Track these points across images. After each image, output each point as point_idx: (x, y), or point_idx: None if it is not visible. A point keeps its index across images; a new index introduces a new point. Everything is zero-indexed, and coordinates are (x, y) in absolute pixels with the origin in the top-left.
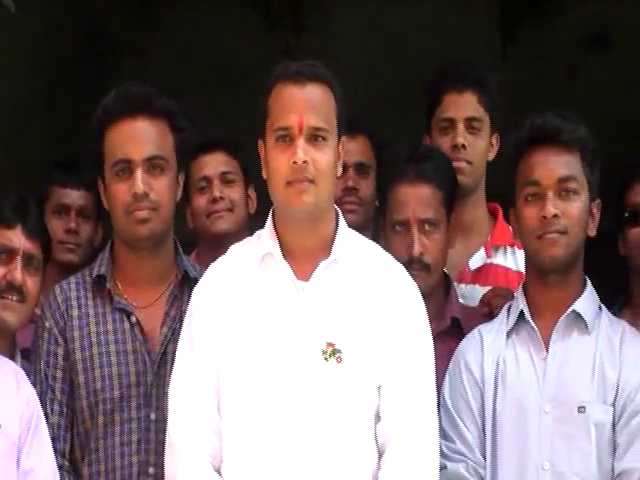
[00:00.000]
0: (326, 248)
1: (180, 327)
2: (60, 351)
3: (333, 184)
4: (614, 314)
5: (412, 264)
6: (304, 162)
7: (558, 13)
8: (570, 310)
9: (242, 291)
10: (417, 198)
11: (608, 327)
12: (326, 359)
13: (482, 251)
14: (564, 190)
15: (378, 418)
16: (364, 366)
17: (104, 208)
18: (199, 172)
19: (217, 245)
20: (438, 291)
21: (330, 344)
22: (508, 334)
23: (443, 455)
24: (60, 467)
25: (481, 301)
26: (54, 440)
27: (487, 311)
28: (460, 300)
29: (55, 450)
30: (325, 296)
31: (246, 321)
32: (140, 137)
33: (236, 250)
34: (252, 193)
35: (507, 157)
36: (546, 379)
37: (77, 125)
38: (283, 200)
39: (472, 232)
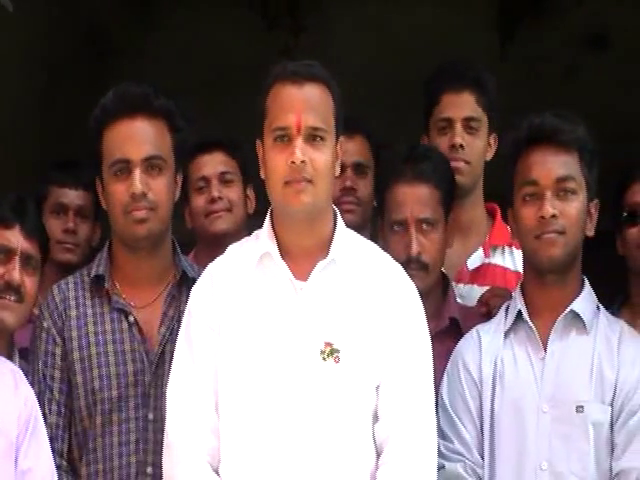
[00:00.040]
0: (324, 248)
1: (178, 327)
2: (58, 351)
3: (331, 184)
4: (612, 314)
5: (410, 264)
6: (302, 162)
7: (556, 13)
8: (568, 310)
9: (240, 291)
10: (415, 198)
11: (606, 327)
12: (324, 359)
13: (480, 251)
14: (562, 190)
15: (376, 418)
16: (362, 366)
17: (102, 208)
18: (198, 172)
19: (216, 245)
20: (436, 291)
21: (328, 344)
22: (506, 334)
23: (441, 455)
24: (58, 467)
25: (479, 301)
26: (52, 440)
27: (485, 311)
28: (458, 300)
29: (53, 450)
30: (323, 296)
31: (244, 321)
32: (138, 137)
33: (234, 250)
34: (251, 193)
35: (505, 157)
36: (544, 379)
37: (76, 125)
38: (281, 200)
39: (470, 232)
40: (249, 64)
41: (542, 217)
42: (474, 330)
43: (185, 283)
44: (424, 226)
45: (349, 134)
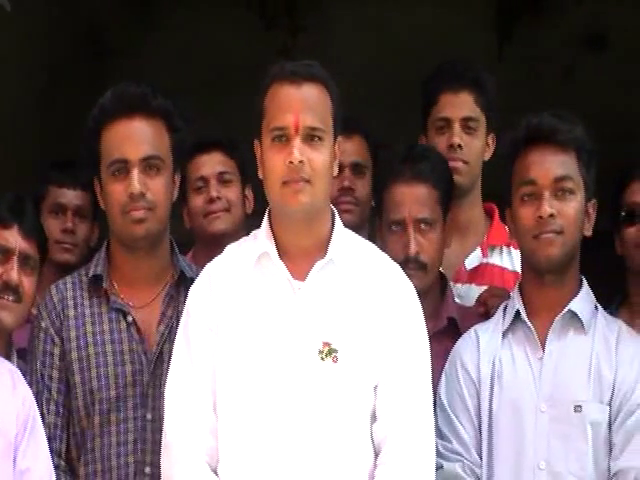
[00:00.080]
0: (322, 248)
1: (176, 327)
2: (56, 351)
3: (329, 184)
4: (611, 314)
5: (408, 264)
6: (300, 162)
7: (554, 13)
8: (566, 310)
9: (238, 291)
10: (413, 198)
11: (604, 327)
12: (322, 359)
13: (478, 251)
14: (560, 190)
15: (374, 418)
16: (360, 366)
17: (100, 208)
18: (196, 172)
19: (214, 245)
20: (434, 291)
21: (326, 344)
22: (504, 334)
23: (439, 455)
24: (56, 467)
25: (477, 301)
26: (50, 440)
27: (483, 311)
28: (456, 300)
29: (51, 450)
30: (321, 296)
31: (242, 321)
32: (136, 137)
33: (232, 250)
34: (249, 193)
35: (503, 157)
36: (542, 379)
37: (76, 125)
38: (279, 200)
39: (468, 232)
40: (248, 64)
41: (540, 217)
42: (472, 330)
43: (183, 283)
44: (422, 226)
45: (347, 134)
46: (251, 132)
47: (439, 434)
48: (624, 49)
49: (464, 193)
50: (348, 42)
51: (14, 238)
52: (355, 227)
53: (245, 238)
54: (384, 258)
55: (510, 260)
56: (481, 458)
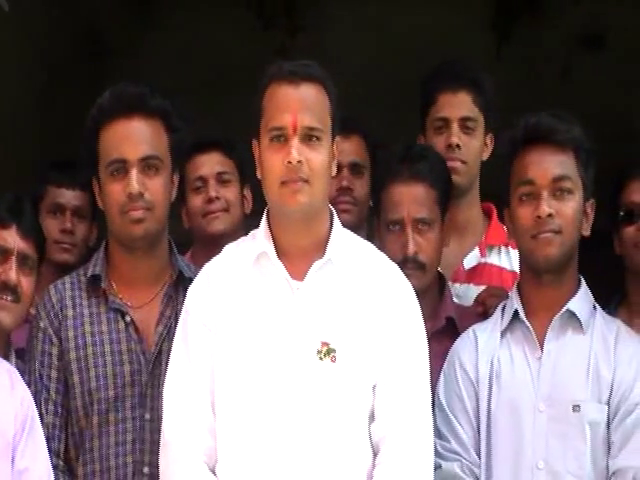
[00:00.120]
0: (320, 248)
1: (175, 327)
2: (55, 351)
3: (327, 184)
4: (609, 313)
5: (407, 263)
6: (298, 162)
7: (553, 13)
8: (564, 309)
9: (237, 291)
10: (411, 198)
11: (603, 326)
12: (321, 358)
13: (476, 251)
14: (558, 190)
15: (373, 417)
16: (359, 365)
17: (99, 208)
18: (195, 172)
19: (213, 245)
20: (433, 291)
21: (325, 343)
22: (502, 333)
23: (438, 454)
24: (55, 467)
25: (475, 300)
26: (49, 440)
27: (481, 310)
28: (454, 300)
29: (50, 450)
30: (320, 296)
31: (241, 321)
32: (135, 137)
33: (231, 250)
34: (248, 193)
35: (501, 157)
36: (541, 378)
37: (76, 125)
38: (277, 200)
39: (466, 232)
40: (246, 64)
41: (538, 217)
42: (470, 330)
43: (182, 283)
44: (420, 226)
45: (345, 134)
46: (249, 132)
47: (437, 434)
48: (622, 49)
49: (462, 193)
50: (347, 42)
51: (12, 238)
52: (353, 227)
53: (243, 238)
54: (382, 258)
55: (508, 260)
56: (480, 458)
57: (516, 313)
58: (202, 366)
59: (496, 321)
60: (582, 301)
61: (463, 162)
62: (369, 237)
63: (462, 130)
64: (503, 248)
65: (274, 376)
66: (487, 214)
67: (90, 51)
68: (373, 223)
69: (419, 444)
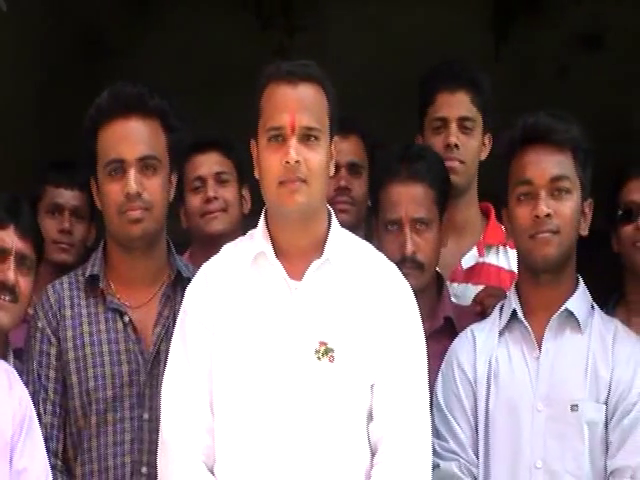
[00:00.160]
0: (319, 248)
1: (173, 327)
2: (53, 351)
3: (325, 184)
4: (608, 313)
5: (405, 263)
6: (296, 162)
7: (550, 13)
8: (563, 309)
9: (235, 290)
10: (409, 197)
11: (601, 326)
12: (319, 358)
13: (474, 250)
14: (556, 189)
15: (371, 417)
16: (357, 365)
17: (97, 208)
18: (193, 172)
19: (211, 245)
20: (431, 290)
21: (323, 343)
22: (500, 333)
23: (436, 454)
24: (53, 467)
25: (474, 300)
26: (47, 440)
27: (480, 310)
28: (453, 299)
29: (48, 450)
30: (318, 295)
31: (239, 320)
32: (133, 137)
33: (229, 250)
34: (246, 193)
35: (499, 157)
36: (539, 378)
37: (75, 125)
38: (275, 200)
39: (465, 231)
40: (245, 64)
41: (536, 216)
42: (469, 329)
43: (180, 283)
44: (418, 226)
45: (344, 134)
46: (248, 132)
47: (436, 433)
48: (620, 49)
49: (460, 193)
50: (347, 42)
51: (10, 238)
52: (351, 227)
53: (241, 238)
54: (380, 258)
55: (506, 260)
56: (478, 457)
57: (514, 313)
58: (200, 366)
59: (494, 321)
60: (580, 301)
61: (461, 162)
62: (367, 237)
63: (460, 130)
64: (501, 248)
65: (272, 376)
66: (485, 214)
67: (89, 51)
68: (371, 223)
69: (417, 444)
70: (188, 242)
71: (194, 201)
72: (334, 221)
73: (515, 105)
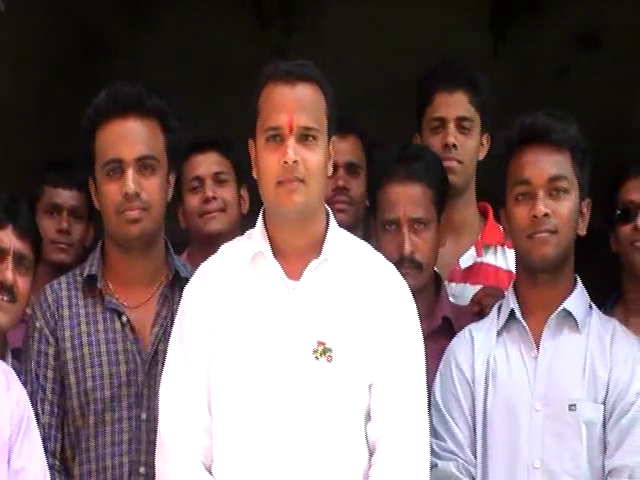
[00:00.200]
0: (317, 247)
1: (171, 327)
2: (51, 351)
3: (323, 184)
4: (606, 312)
5: (403, 263)
6: (294, 162)
7: (549, 13)
8: (561, 308)
9: (233, 290)
10: (408, 197)
11: (599, 325)
12: (317, 358)
13: (472, 250)
14: (554, 189)
15: (369, 417)
16: (355, 365)
17: (95, 208)
18: (192, 172)
19: (209, 245)
20: (429, 290)
21: (321, 343)
22: (499, 333)
23: (434, 454)
24: (51, 467)
25: (472, 300)
26: (45, 440)
27: (478, 310)
28: (451, 299)
29: (46, 450)
30: (316, 295)
31: (237, 320)
32: (131, 137)
33: (227, 249)
34: (244, 193)
35: (497, 157)
36: (537, 377)
37: (74, 125)
38: (273, 200)
39: (463, 231)
40: (245, 64)
41: (534, 216)
42: (467, 329)
43: (178, 283)
44: (416, 225)
45: (342, 134)
46: (246, 132)
47: (434, 433)
48: (618, 49)
49: (458, 193)
50: (347, 42)
51: (8, 238)
52: (349, 227)
53: (239, 238)
54: (378, 258)
55: (504, 259)
56: (476, 457)
57: (512, 312)
58: (198, 366)
59: (492, 321)
60: (578, 300)
61: (459, 162)
62: (365, 237)
63: (458, 130)
64: (499, 248)
65: (270, 376)
66: (483, 214)
67: (89, 51)
68: (369, 223)
69: (415, 443)
70: (186, 242)
71: (192, 201)
72: (332, 221)
73: (514, 105)
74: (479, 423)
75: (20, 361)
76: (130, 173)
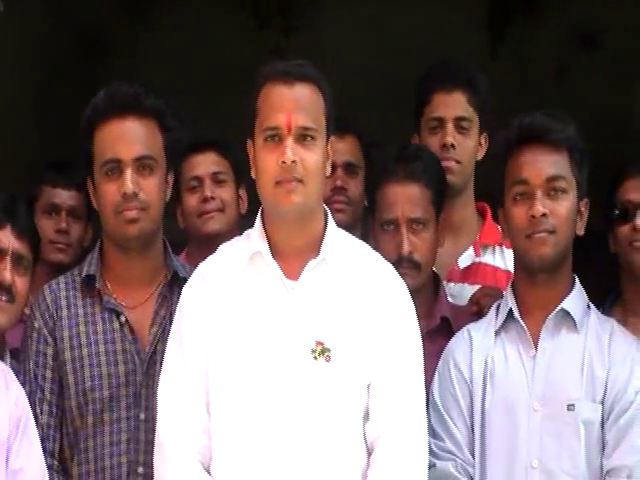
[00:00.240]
0: (315, 247)
1: (169, 327)
2: (49, 351)
3: (322, 184)
4: (604, 312)
5: (402, 263)
6: (293, 162)
7: (547, 12)
8: (559, 308)
9: (231, 290)
10: (406, 197)
11: (597, 325)
12: (315, 358)
13: (471, 250)
14: (552, 189)
15: (367, 417)
16: (353, 365)
17: (94, 208)
18: (190, 172)
19: (208, 245)
20: (427, 290)
21: (319, 343)
22: (497, 333)
23: (432, 453)
24: (49, 467)
25: (470, 300)
26: (43, 440)
27: (476, 310)
28: (449, 299)
29: (44, 450)
30: (314, 295)
31: (235, 320)
32: (129, 137)
33: (225, 249)
34: (243, 193)
35: (496, 157)
36: (535, 377)
37: (74, 125)
38: (272, 200)
39: (461, 231)
40: (244, 64)
41: (533, 216)
42: (465, 329)
43: (176, 283)
44: (415, 225)
45: (340, 134)
46: (244, 132)
47: (432, 433)
48: (618, 49)
49: (457, 193)
50: (346, 42)
51: (7, 238)
52: (348, 227)
53: (238, 238)
54: (377, 257)
55: (502, 259)
56: (474, 457)
57: (510, 312)
58: (196, 366)
59: (490, 320)
60: (576, 300)
61: (458, 162)
62: (364, 237)
63: (457, 130)
64: (497, 248)
65: (268, 375)
66: (481, 214)
67: (88, 51)
68: (368, 223)
69: (413, 443)
70: (185, 242)
71: (191, 201)
72: (330, 221)
73: (513, 105)
74: (477, 423)
75: (19, 361)
76: (128, 173)
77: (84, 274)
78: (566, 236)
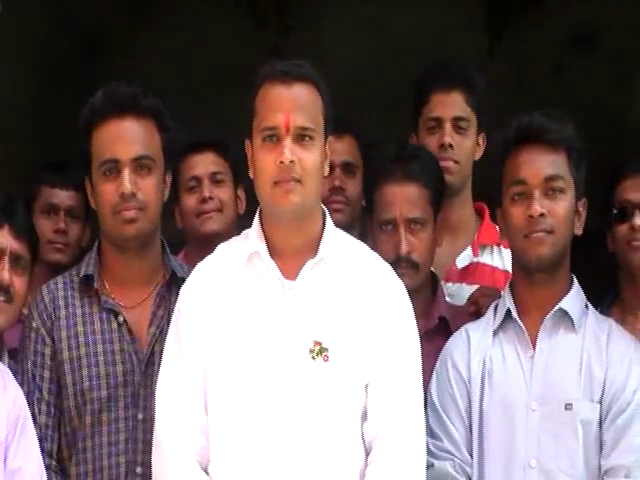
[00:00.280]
0: (313, 247)
1: (168, 327)
2: (47, 351)
3: (320, 184)
4: (603, 312)
5: (400, 263)
6: (291, 162)
7: (544, 12)
8: (557, 308)
9: (229, 290)
10: (404, 197)
11: (595, 325)
12: (313, 358)
13: (469, 250)
14: (550, 189)
15: (365, 416)
16: (351, 364)
17: (92, 208)
18: (189, 172)
19: (206, 245)
20: (425, 290)
21: (317, 342)
22: (495, 333)
23: (430, 453)
24: (47, 467)
25: (468, 300)
26: (41, 440)
27: (474, 310)
28: (447, 299)
29: (42, 450)
30: (312, 295)
31: (233, 320)
32: (127, 137)
33: (223, 249)
34: (241, 193)
35: (494, 156)
36: (533, 377)
37: (72, 125)
38: (270, 200)
39: (459, 231)
40: (239, 64)
41: (530, 216)
42: (463, 329)
43: (174, 283)
44: (413, 225)
45: (338, 134)
46: (243, 132)
47: (430, 433)
48: (615, 48)
49: (455, 193)
50: (346, 42)
51: (5, 238)
52: (346, 227)
53: (236, 238)
54: (375, 257)
55: (501, 259)
56: (472, 457)
57: (508, 312)
58: (195, 366)
59: (488, 320)
60: (574, 300)
61: (456, 162)
62: (362, 237)
63: (455, 130)
64: (495, 247)
65: (267, 375)
66: (479, 214)
67: (88, 51)
68: (366, 223)
69: (412, 443)
70: (183, 242)
71: (189, 201)
72: (329, 221)
73: (510, 105)
74: (475, 423)
75: (17, 361)
76: (126, 173)
77: (82, 274)
78: (564, 236)
